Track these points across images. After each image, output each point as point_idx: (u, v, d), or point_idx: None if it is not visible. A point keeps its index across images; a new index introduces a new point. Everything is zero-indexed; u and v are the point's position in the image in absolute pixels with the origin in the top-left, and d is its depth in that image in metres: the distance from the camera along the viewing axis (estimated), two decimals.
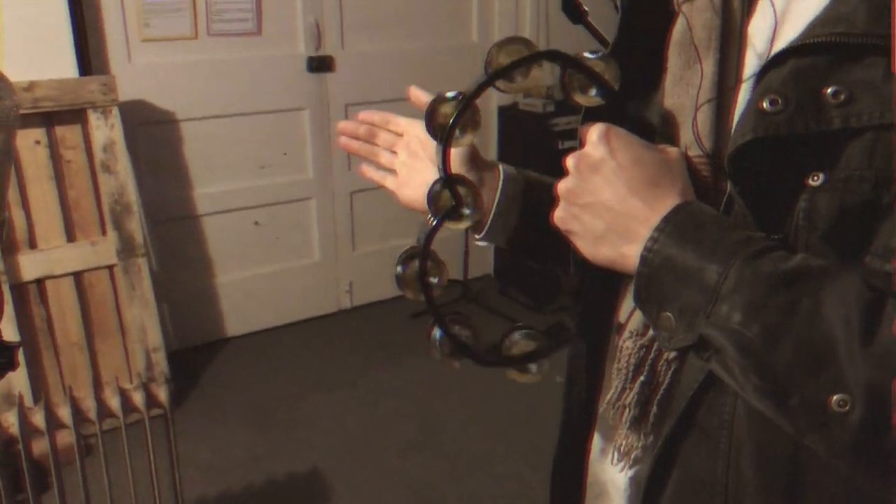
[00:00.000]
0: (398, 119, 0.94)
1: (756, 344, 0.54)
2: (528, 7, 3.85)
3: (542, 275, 3.86)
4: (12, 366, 0.73)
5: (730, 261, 0.56)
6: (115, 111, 2.78)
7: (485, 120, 3.93)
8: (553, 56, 0.69)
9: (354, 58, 3.50)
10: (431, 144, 0.74)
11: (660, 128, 0.71)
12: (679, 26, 0.67)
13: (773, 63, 0.57)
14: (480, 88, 0.68)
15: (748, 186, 0.59)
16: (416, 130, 0.92)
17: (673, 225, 0.60)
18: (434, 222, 0.71)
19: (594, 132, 0.65)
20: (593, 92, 0.71)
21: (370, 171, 0.96)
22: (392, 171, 0.93)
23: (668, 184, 0.63)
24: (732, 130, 0.61)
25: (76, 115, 2.73)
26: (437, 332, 0.74)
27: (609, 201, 0.63)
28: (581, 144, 0.68)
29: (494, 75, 0.68)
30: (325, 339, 3.57)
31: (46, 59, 2.71)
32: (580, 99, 0.73)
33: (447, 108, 0.71)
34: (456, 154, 0.84)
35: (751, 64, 0.63)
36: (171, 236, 3.29)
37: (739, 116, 0.60)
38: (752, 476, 0.62)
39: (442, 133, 0.70)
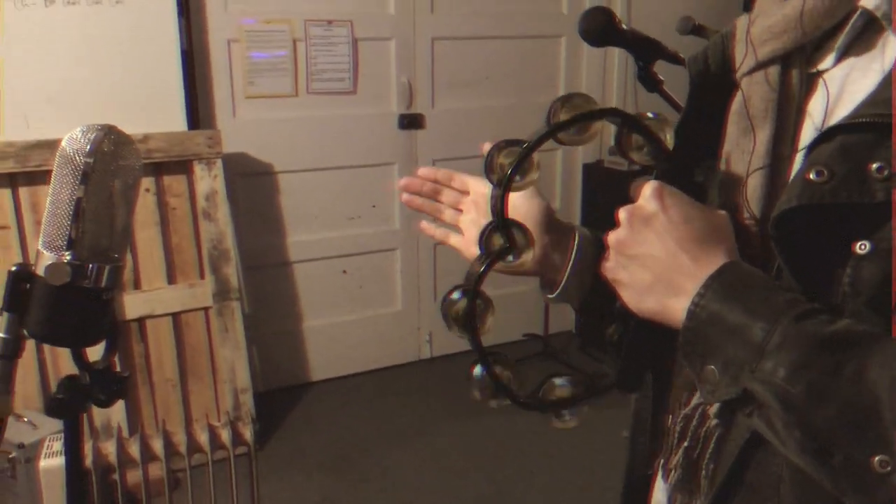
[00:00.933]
0: (463, 177, 0.95)
1: (800, 400, 0.56)
2: (615, 66, 3.91)
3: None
4: (123, 395, 0.82)
5: (776, 319, 0.58)
6: (219, 163, 2.97)
7: (569, 177, 3.99)
8: (612, 114, 0.73)
9: (443, 115, 3.63)
10: None
11: (716, 191, 0.75)
12: (738, 97, 0.72)
13: (822, 138, 0.61)
14: (540, 139, 0.71)
15: (793, 252, 0.62)
16: (483, 189, 0.93)
17: (720, 282, 0.63)
18: (484, 263, 0.73)
19: (648, 188, 0.69)
20: (648, 151, 0.75)
21: (431, 229, 0.97)
22: (455, 229, 0.95)
23: (715, 243, 0.66)
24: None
25: (183, 166, 2.94)
26: (478, 371, 0.75)
27: (658, 254, 0.66)
28: (633, 199, 0.72)
29: (555, 128, 0.71)
30: (404, 388, 3.64)
31: (159, 113, 2.94)
32: (635, 156, 0.77)
33: (506, 156, 0.74)
34: (531, 212, 0.86)
35: (808, 136, 0.67)
36: (263, 281, 3.45)
37: (788, 185, 0.64)
38: None
39: (500, 178, 0.73)
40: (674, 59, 1.28)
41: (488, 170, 0.75)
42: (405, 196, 0.97)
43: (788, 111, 0.69)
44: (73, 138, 0.75)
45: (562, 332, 4.08)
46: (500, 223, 0.73)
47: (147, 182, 2.88)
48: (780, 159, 0.69)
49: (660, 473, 0.82)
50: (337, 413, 3.39)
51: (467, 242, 0.94)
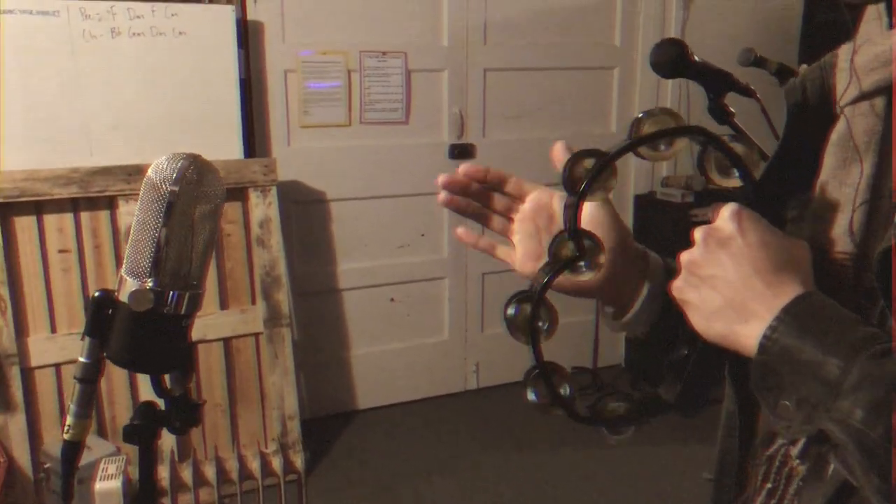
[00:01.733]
0: (523, 183, 0.84)
1: (879, 445, 0.53)
2: (668, 98, 3.89)
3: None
4: (197, 423, 0.83)
5: (853, 356, 0.56)
6: (274, 190, 3.02)
7: (621, 208, 3.96)
8: (697, 132, 0.72)
9: (494, 146, 3.64)
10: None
11: (808, 222, 0.73)
12: (839, 127, 0.70)
13: None
14: (622, 150, 0.69)
15: (890, 286, 0.60)
16: (547, 199, 0.83)
17: (794, 314, 0.61)
18: (552, 270, 0.71)
19: (727, 209, 0.67)
20: (732, 175, 0.73)
21: (472, 236, 0.86)
22: (505, 239, 0.85)
23: (791, 272, 0.64)
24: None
25: (238, 193, 2.99)
26: (534, 378, 0.74)
27: (731, 278, 0.64)
28: (710, 221, 0.70)
29: (638, 140, 0.70)
30: (450, 418, 3.61)
31: (217, 141, 3.00)
32: (717, 179, 0.75)
33: (586, 164, 0.71)
34: (605, 228, 0.81)
35: None
36: (313, 308, 3.48)
37: None
38: None
39: (577, 186, 0.70)
40: (745, 91, 1.27)
41: (567, 178, 0.72)
42: (443, 195, 0.83)
43: (893, 144, 0.67)
44: (158, 167, 0.76)
45: (611, 365, 4.02)
46: (573, 231, 0.71)
47: None
48: (881, 195, 0.67)
49: None
50: (383, 442, 3.38)
51: (522, 257, 0.83)
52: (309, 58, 3.25)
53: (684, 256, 0.68)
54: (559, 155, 0.78)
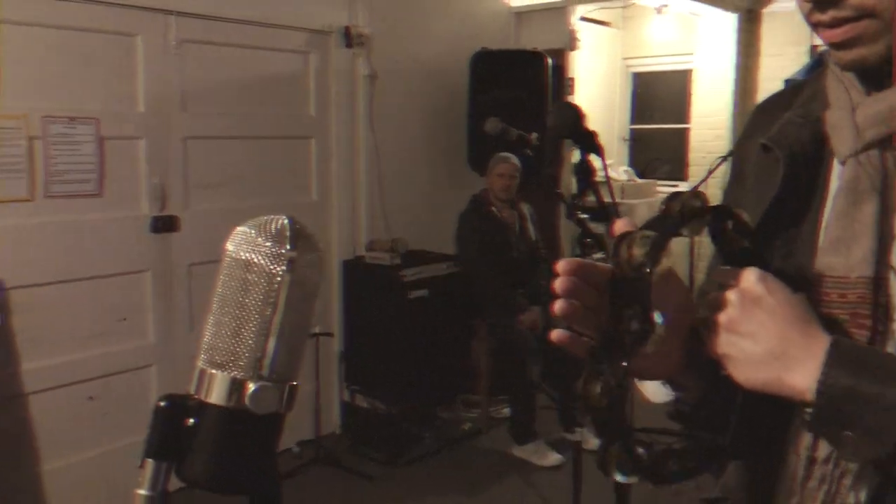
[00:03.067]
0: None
1: None
2: (360, 169, 4.06)
3: (391, 427, 3.87)
4: None
5: None
6: None
7: (326, 274, 3.99)
8: (722, 210, 0.82)
9: (199, 216, 3.43)
10: None
11: (801, 256, 0.87)
12: (848, 173, 0.83)
13: None
14: (673, 231, 0.74)
15: None
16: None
17: (838, 357, 0.71)
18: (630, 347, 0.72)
19: (752, 274, 0.76)
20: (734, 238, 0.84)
21: (572, 341, 0.79)
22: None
23: (813, 321, 0.75)
24: None
25: None
26: (619, 450, 0.76)
27: (770, 331, 0.74)
28: (724, 285, 0.80)
29: (689, 215, 0.75)
30: None
31: None
32: (725, 245, 0.86)
33: (639, 246, 0.74)
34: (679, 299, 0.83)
35: None
36: None
37: None
38: None
39: (636, 270, 0.73)
40: (600, 152, 1.43)
41: (626, 260, 0.74)
42: (563, 304, 0.77)
43: (887, 185, 0.83)
44: (267, 228, 0.64)
45: (328, 434, 3.98)
46: (646, 308, 0.73)
47: None
48: (886, 229, 0.83)
49: None
50: None
51: None
52: None
53: (722, 318, 0.75)
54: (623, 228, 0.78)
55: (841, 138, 0.86)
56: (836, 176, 0.87)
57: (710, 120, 6.12)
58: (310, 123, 3.88)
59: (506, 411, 4.23)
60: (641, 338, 0.74)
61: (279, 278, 0.64)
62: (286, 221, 0.66)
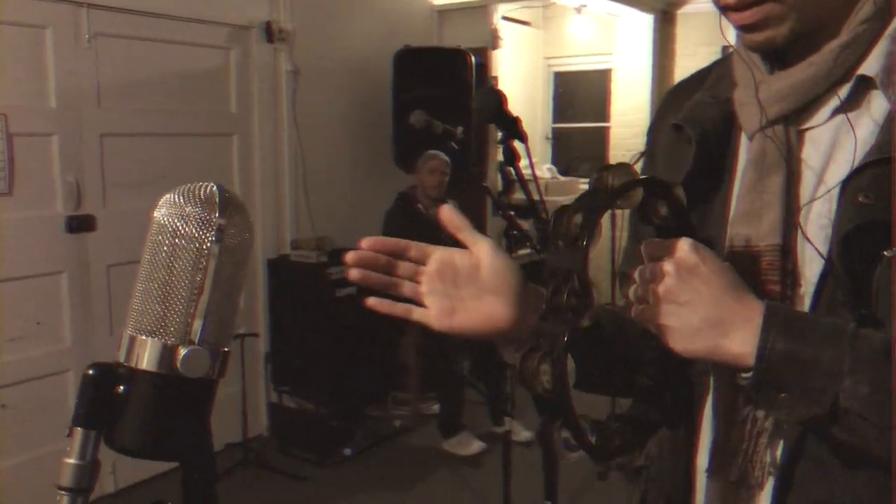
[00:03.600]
0: (424, 247, 0.89)
1: (888, 405, 0.70)
2: (285, 167, 4.03)
3: (320, 427, 3.85)
4: None
5: (838, 345, 0.72)
6: None
7: (251, 273, 3.93)
8: (657, 182, 0.86)
9: (117, 216, 3.34)
10: (471, 272, 0.84)
11: (713, 228, 0.92)
12: (755, 148, 0.88)
13: (856, 172, 0.79)
14: (604, 207, 0.78)
15: (850, 266, 0.80)
16: (449, 257, 0.88)
17: (775, 324, 0.75)
18: (566, 321, 0.75)
19: (685, 244, 0.79)
20: (664, 212, 0.89)
21: (387, 305, 0.87)
22: (416, 302, 0.89)
23: (745, 288, 0.79)
24: (834, 222, 0.81)
25: None
26: (567, 434, 0.78)
27: (706, 299, 0.76)
28: (649, 257, 0.83)
29: (622, 190, 0.79)
30: None
31: None
32: (655, 218, 0.91)
33: (576, 220, 0.79)
34: (515, 276, 0.87)
35: (808, 182, 0.87)
36: None
37: (836, 209, 0.80)
38: (870, 495, 0.79)
39: (577, 239, 0.77)
40: (523, 138, 1.46)
41: (559, 232, 0.79)
42: (356, 272, 0.84)
43: (792, 159, 0.89)
44: (195, 191, 0.65)
45: (256, 436, 3.93)
46: (583, 281, 0.76)
47: None
48: (791, 199, 0.88)
49: (703, 481, 0.93)
50: None
51: (438, 314, 0.87)
52: None
53: (661, 288, 0.78)
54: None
55: (747, 115, 0.91)
56: (745, 151, 0.93)
57: (629, 118, 6.30)
58: (231, 120, 3.82)
59: (436, 408, 4.25)
60: (579, 312, 0.76)
61: (208, 245, 0.64)
62: (215, 188, 0.66)
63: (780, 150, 0.88)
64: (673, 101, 1.05)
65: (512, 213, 2.28)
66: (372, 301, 0.86)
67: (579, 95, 7.23)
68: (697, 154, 0.93)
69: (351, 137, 4.43)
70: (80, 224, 3.21)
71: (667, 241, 0.81)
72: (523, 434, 3.84)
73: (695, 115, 0.96)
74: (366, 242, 0.85)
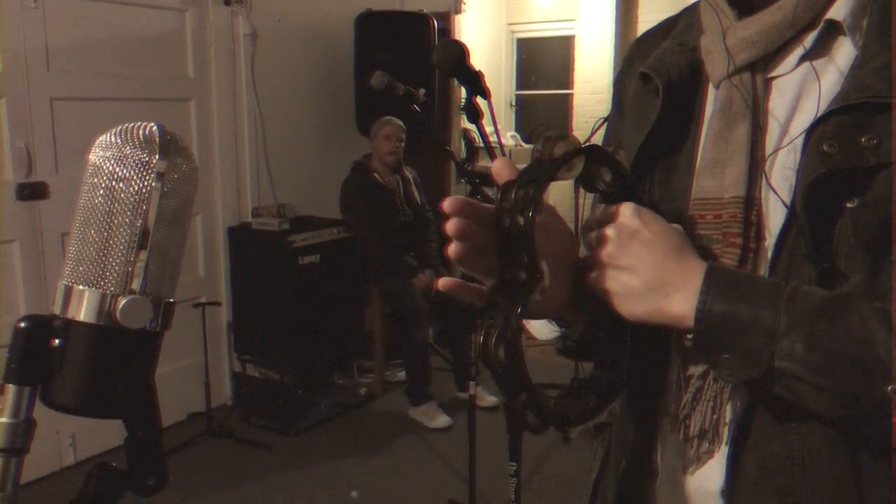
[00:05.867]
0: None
1: (823, 364, 0.70)
2: (245, 133, 3.94)
3: (285, 396, 3.82)
4: (167, 475, 0.65)
5: (775, 305, 0.71)
6: None
7: (211, 242, 3.86)
8: (596, 149, 0.82)
9: (71, 183, 3.23)
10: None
11: (677, 182, 0.89)
12: (722, 97, 0.86)
13: (820, 120, 0.79)
14: (549, 178, 0.74)
15: (814, 215, 0.78)
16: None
17: (715, 283, 0.74)
18: (518, 296, 0.72)
19: (627, 208, 0.77)
20: (608, 178, 0.85)
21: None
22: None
23: (689, 249, 0.78)
24: (797, 171, 0.80)
25: None
26: (525, 402, 0.74)
27: (647, 263, 0.76)
28: (599, 221, 0.78)
29: (564, 160, 0.74)
30: None
31: None
32: (601, 185, 0.87)
33: (521, 193, 0.74)
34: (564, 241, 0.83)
35: (773, 131, 0.85)
36: None
37: (800, 159, 0.78)
38: (825, 449, 0.78)
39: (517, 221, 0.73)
40: (485, 93, 1.42)
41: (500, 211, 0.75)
42: (458, 248, 0.75)
43: (758, 108, 0.87)
44: (130, 132, 0.60)
45: (219, 405, 3.88)
46: (530, 254, 0.73)
47: None
48: (756, 149, 0.86)
49: (665, 437, 0.91)
50: None
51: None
52: None
53: (601, 252, 0.77)
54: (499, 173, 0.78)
55: (714, 62, 0.89)
56: (712, 100, 0.90)
57: (592, 85, 6.29)
58: (188, 85, 3.72)
59: (401, 375, 4.24)
60: (529, 287, 0.73)
61: (148, 189, 0.60)
62: (155, 128, 0.62)
63: (745, 99, 0.86)
64: (640, 50, 1.02)
65: (476, 180, 2.25)
66: (446, 283, 0.77)
67: (543, 62, 7.20)
68: (664, 103, 0.90)
69: (312, 103, 4.35)
70: (31, 192, 3.11)
71: (611, 207, 0.79)
72: (488, 399, 3.86)
73: (662, 64, 0.94)
74: (450, 205, 0.75)
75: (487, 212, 0.76)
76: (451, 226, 0.74)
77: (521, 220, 0.73)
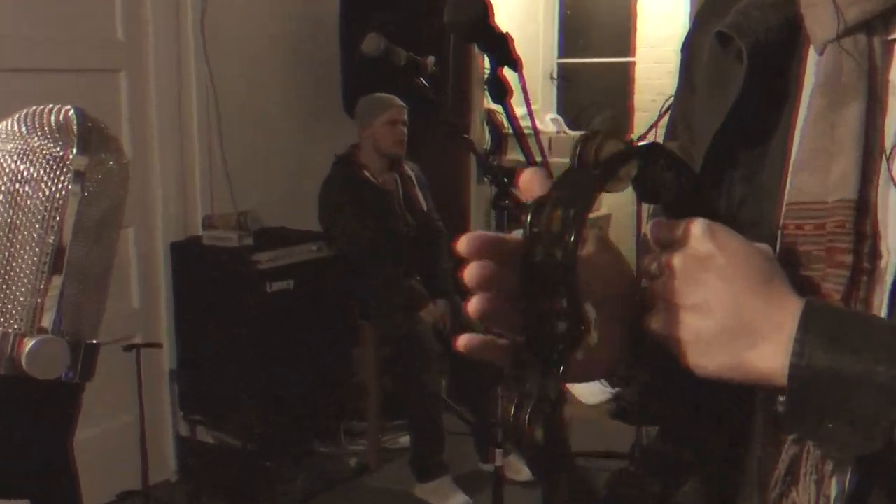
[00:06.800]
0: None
1: None
2: (193, 111, 3.99)
3: (247, 469, 3.84)
4: None
5: (894, 357, 0.71)
6: None
7: (150, 260, 3.90)
8: (652, 150, 0.82)
9: None
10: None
11: (765, 177, 0.90)
12: (826, 67, 0.87)
13: None
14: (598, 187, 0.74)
15: None
16: None
17: (815, 330, 0.73)
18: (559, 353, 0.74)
19: (697, 227, 0.77)
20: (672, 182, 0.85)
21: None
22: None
23: (779, 279, 0.77)
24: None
25: None
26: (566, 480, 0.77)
27: (724, 300, 0.75)
28: (655, 241, 0.79)
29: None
30: None
31: None
32: (665, 195, 0.86)
33: (558, 213, 0.73)
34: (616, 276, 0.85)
35: (894, 108, 0.86)
36: None
37: None
38: None
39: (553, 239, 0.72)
40: (515, 64, 1.44)
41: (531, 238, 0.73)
42: (483, 302, 0.76)
43: (876, 81, 0.87)
44: (39, 122, 0.61)
45: (161, 482, 3.91)
46: (573, 298, 0.72)
47: None
48: (874, 138, 0.86)
49: None
50: None
51: None
52: None
53: (659, 288, 0.77)
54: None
55: (818, 19, 0.89)
56: (813, 70, 0.91)
57: (660, 51, 6.31)
58: (117, 51, 3.78)
59: (404, 440, 4.25)
60: (572, 342, 0.72)
61: (63, 193, 0.61)
62: (72, 112, 0.63)
63: (860, 69, 0.87)
64: (717, 2, 1.03)
65: (504, 178, 2.26)
66: (466, 342, 0.77)
67: (594, 22, 7.24)
68: (749, 73, 0.91)
69: (283, 76, 4.39)
70: None
71: (677, 225, 0.78)
72: (522, 471, 3.85)
73: (747, 21, 0.95)
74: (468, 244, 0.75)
75: (514, 247, 0.74)
76: (471, 274, 0.74)
77: (558, 253, 0.72)
